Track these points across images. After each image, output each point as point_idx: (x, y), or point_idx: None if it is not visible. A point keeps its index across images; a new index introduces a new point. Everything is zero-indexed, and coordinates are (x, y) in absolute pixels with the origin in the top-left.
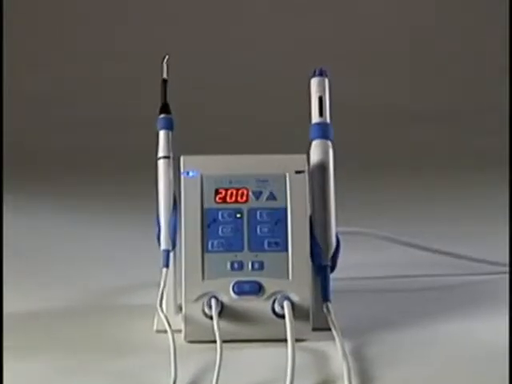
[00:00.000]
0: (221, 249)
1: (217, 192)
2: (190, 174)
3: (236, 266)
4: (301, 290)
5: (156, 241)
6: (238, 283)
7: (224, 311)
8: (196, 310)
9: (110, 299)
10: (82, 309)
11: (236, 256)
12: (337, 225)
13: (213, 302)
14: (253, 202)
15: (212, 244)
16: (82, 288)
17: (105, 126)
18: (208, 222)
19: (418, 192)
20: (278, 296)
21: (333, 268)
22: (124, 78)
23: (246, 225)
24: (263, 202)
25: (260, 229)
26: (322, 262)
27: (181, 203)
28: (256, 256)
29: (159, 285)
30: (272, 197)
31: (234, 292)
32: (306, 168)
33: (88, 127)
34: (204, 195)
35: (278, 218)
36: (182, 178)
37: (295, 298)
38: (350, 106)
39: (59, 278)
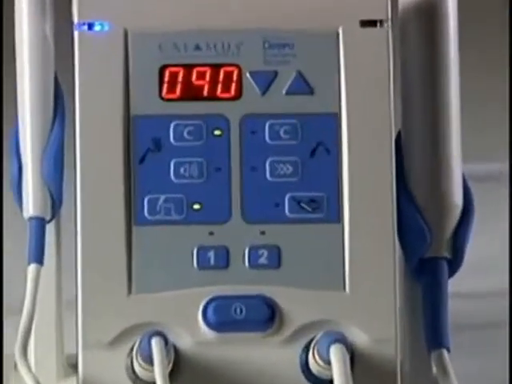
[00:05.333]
0: (175, 216)
1: (163, 74)
2: (97, 27)
3: (211, 258)
4: (374, 319)
5: (14, 200)
6: (216, 301)
7: (182, 368)
8: (113, 365)
9: None
10: None
11: (212, 234)
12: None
13: (155, 345)
14: (253, 100)
15: (152, 206)
16: None
17: None
18: (142, 149)
19: None
20: (319, 334)
21: (456, 264)
22: None
23: (235, 156)
24: (279, 99)
25: (272, 167)
26: (430, 252)
27: (74, 107)
28: (262, 234)
29: (22, 307)
30: (301, 87)
31: (208, 323)
32: (389, 15)
33: None
34: (132, 82)
35: (319, 142)
36: (75, 40)
37: (360, 337)
38: None
39: None
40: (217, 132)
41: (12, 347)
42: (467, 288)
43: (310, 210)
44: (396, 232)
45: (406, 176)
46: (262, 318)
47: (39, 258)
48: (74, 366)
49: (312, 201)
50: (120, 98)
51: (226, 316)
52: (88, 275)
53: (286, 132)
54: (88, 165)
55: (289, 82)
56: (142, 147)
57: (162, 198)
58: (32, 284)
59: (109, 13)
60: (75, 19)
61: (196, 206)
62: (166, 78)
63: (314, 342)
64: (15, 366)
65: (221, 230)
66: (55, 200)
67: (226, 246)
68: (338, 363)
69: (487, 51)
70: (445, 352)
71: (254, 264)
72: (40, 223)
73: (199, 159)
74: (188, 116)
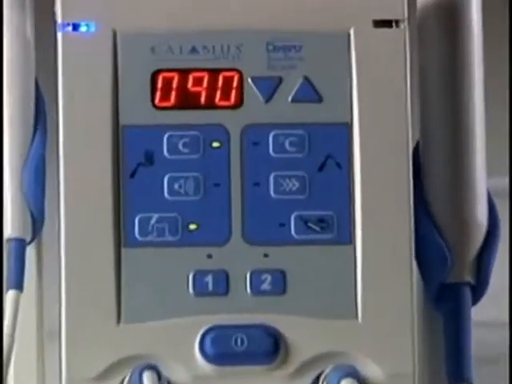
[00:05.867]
0: (169, 238)
1: (155, 79)
2: (82, 27)
3: (209, 283)
4: (389, 351)
5: None
6: (214, 331)
7: None
8: None
9: None
10: None
11: (210, 257)
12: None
13: (147, 381)
14: (255, 108)
15: (144, 225)
16: None
17: None
18: (132, 163)
19: None
20: (328, 367)
21: (480, 290)
22: None
23: (236, 171)
24: (284, 107)
25: (276, 182)
26: (451, 277)
27: (57, 117)
28: (265, 256)
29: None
30: (309, 94)
31: (205, 355)
32: (406, 14)
33: None
34: (122, 89)
35: (328, 155)
36: (58, 42)
37: (374, 372)
38: None
39: None
40: (215, 144)
41: None
42: (491, 316)
43: (318, 230)
44: (413, 254)
45: (424, 192)
46: (265, 350)
47: (19, 284)
48: None
49: (320, 220)
50: (108, 106)
51: (225, 348)
52: (73, 302)
53: (291, 144)
54: (72, 180)
55: (295, 89)
56: (133, 161)
57: (155, 217)
58: (11, 312)
59: (96, 12)
60: (58, 19)
61: (192, 226)
62: (159, 84)
63: (322, 376)
64: None
65: (220, 253)
66: (36, 219)
67: (225, 270)
68: None
69: (487, 52)
70: None
71: (256, 290)
72: (20, 245)
73: (196, 174)
74: (183, 126)
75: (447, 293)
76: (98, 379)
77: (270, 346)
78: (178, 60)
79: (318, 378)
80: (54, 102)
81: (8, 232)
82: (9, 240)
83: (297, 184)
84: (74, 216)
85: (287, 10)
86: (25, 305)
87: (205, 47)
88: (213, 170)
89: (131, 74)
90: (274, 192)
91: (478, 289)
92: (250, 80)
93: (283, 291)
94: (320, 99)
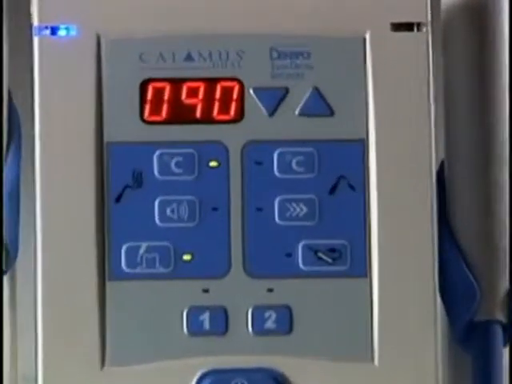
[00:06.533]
0: (160, 269)
1: (145, 90)
2: (61, 31)
3: (206, 321)
4: None
5: None
6: (211, 375)
7: None
8: None
9: None
10: None
11: (207, 291)
12: None
13: None
14: (258, 123)
15: (132, 256)
16: None
17: None
18: (118, 185)
19: None
20: None
21: None
22: None
23: (236, 194)
24: (291, 122)
25: (282, 207)
26: (481, 314)
27: (33, 133)
28: (269, 291)
29: None
30: (319, 107)
31: None
32: (429, 17)
33: None
34: (106, 101)
35: (341, 176)
36: (35, 47)
37: None
38: None
39: None
40: (213, 163)
41: None
42: None
43: (329, 261)
44: (437, 288)
45: (449, 218)
46: None
47: None
48: None
49: (332, 250)
50: (91, 120)
51: None
52: (51, 343)
53: (299, 163)
54: (51, 205)
55: (303, 101)
56: (119, 182)
57: (144, 246)
58: None
59: (77, 14)
60: (35, 21)
61: (186, 257)
62: (149, 96)
63: None
64: None
65: (217, 287)
66: (9, 250)
67: (223, 306)
68: None
69: None
70: None
71: (258, 329)
72: None
73: (190, 197)
74: (176, 143)
75: (476, 332)
76: None
77: None
78: (170, 68)
79: None
80: (30, 117)
81: None
82: None
83: (305, 209)
84: (52, 245)
85: (294, 11)
86: None
87: (201, 54)
88: (210, 193)
89: (117, 84)
90: (280, 218)
91: (511, 328)
92: (251, 91)
93: (289, 330)
94: (331, 112)
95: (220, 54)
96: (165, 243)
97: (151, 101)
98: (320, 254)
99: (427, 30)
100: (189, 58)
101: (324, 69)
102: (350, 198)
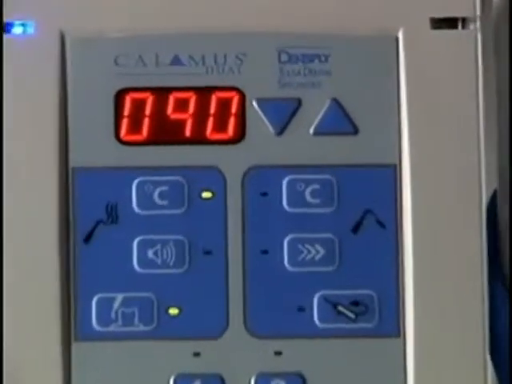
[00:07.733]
0: (140, 327)
1: (120, 103)
2: (16, 28)
3: None
4: None
5: None
6: None
7: None
8: None
9: None
10: None
11: (198, 355)
12: None
13: None
14: (263, 143)
15: (104, 310)
16: None
17: None
18: (88, 221)
19: None
20: None
21: None
22: None
23: (235, 232)
24: (304, 142)
25: (293, 249)
26: None
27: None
28: (277, 354)
29: None
30: (339, 124)
31: None
32: (478, 11)
33: None
34: (73, 116)
35: (367, 210)
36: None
37: None
38: None
39: None
40: (206, 194)
41: None
42: None
43: (351, 316)
44: (487, 347)
45: (503, 263)
46: None
47: None
48: None
49: (355, 303)
50: (54, 140)
51: None
52: None
53: (314, 194)
54: (5, 247)
55: (319, 116)
56: (89, 217)
57: (120, 297)
58: None
59: (36, 8)
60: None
61: (173, 311)
62: (127, 110)
63: None
64: None
65: (212, 349)
66: None
67: (219, 373)
68: None
69: None
70: None
71: None
72: None
73: (178, 237)
74: (160, 169)
75: None
76: None
77: None
78: (152, 74)
79: None
80: None
81: None
82: None
83: (322, 251)
84: (8, 299)
85: (307, 5)
86: None
87: (191, 57)
88: (202, 232)
89: (87, 95)
90: (290, 263)
91: None
92: (255, 103)
93: None
94: (355, 130)
95: (215, 58)
96: (146, 294)
97: (129, 116)
98: (340, 308)
99: (475, 26)
100: (176, 61)
101: (345, 75)
102: (378, 237)
